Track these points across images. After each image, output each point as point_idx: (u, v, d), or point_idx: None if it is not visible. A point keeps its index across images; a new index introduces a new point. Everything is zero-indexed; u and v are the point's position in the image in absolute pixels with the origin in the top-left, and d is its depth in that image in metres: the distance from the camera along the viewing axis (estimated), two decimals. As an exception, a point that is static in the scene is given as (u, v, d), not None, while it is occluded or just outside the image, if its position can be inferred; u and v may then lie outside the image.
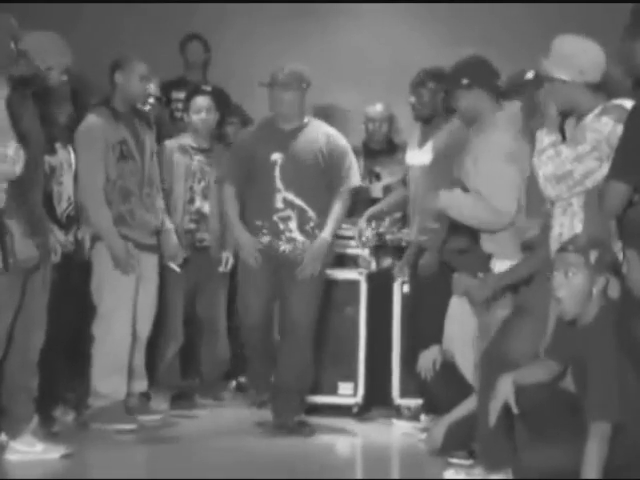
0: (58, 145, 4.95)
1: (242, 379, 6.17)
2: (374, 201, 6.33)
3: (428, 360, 4.85)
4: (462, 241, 5.06)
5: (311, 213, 5.10)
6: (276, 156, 5.09)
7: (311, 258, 5.06)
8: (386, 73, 6.88)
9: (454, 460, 4.37)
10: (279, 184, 5.08)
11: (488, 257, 4.74)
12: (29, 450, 4.35)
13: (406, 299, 5.57)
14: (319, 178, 5.11)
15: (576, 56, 3.86)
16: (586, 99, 3.86)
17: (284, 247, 5.09)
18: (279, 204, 5.07)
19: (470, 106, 4.55)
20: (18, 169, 4.03)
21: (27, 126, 4.32)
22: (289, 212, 5.08)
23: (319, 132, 5.17)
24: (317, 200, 5.12)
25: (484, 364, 4.06)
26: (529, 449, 3.62)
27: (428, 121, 5.38)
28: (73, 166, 5.06)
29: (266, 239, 5.10)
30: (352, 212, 6.32)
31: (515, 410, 3.66)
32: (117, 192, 5.14)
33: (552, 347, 3.78)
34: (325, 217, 5.14)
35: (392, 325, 5.60)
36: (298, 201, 5.08)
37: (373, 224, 5.80)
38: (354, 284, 5.64)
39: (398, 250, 5.78)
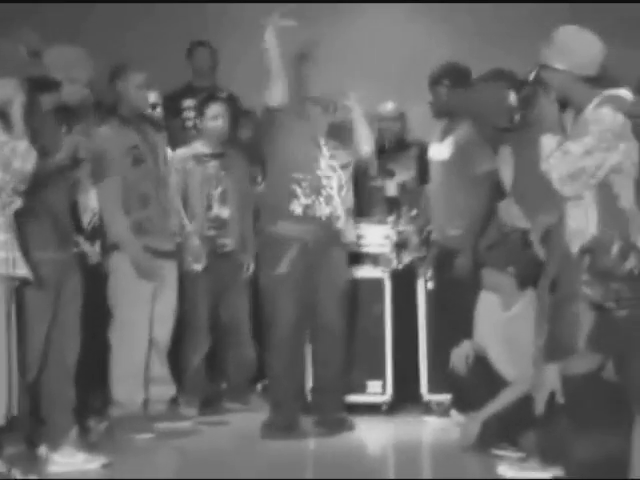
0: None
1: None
2: (389, 200, 6.37)
3: (460, 356, 4.87)
4: (490, 236, 5.11)
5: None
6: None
7: None
8: (399, 69, 6.90)
9: (502, 452, 4.38)
10: (325, 150, 5.20)
11: (517, 251, 4.78)
12: (70, 461, 4.37)
13: (431, 295, 5.60)
14: None
15: (574, 47, 3.90)
16: (581, 91, 3.89)
17: (321, 212, 5.12)
18: (322, 164, 5.18)
19: None
20: (29, 167, 4.01)
21: (48, 138, 4.35)
22: (331, 173, 5.17)
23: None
24: None
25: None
26: (576, 442, 3.65)
27: (448, 118, 5.40)
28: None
29: (303, 202, 5.11)
30: (367, 211, 6.39)
31: (561, 400, 3.69)
32: (135, 198, 5.17)
33: (593, 339, 3.80)
34: None
35: (417, 322, 5.63)
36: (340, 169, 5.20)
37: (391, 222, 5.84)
38: (378, 282, 5.67)
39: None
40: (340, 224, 5.18)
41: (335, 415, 5.18)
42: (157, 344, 5.30)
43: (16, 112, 4.08)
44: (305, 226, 5.10)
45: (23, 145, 4.02)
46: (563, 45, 3.91)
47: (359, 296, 5.60)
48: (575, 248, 3.89)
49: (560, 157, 3.83)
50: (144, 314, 5.18)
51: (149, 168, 5.25)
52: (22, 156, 4.00)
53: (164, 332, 5.32)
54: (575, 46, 3.90)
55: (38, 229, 4.32)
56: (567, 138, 3.88)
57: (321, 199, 5.13)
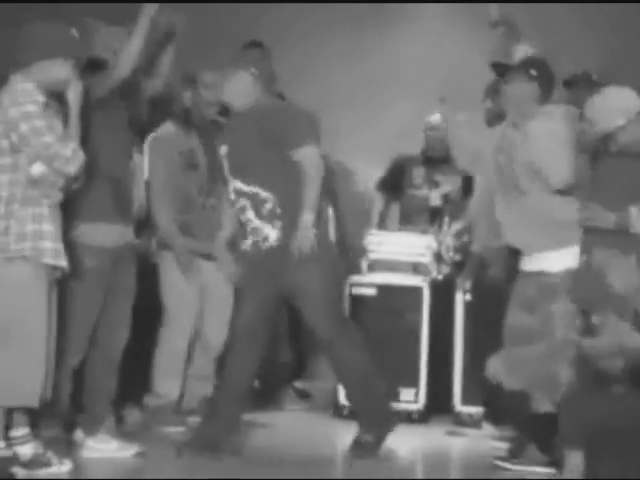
0: (134, 149, 5.01)
1: (301, 384, 6.25)
2: (432, 210, 6.40)
3: (495, 367, 4.87)
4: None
5: (264, 195, 4.59)
6: (223, 149, 4.74)
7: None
8: (445, 82, 6.93)
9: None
10: (227, 174, 4.69)
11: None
12: (104, 448, 4.43)
13: (468, 306, 5.61)
14: (267, 156, 4.57)
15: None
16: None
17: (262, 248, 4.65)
18: (231, 196, 4.69)
19: None
20: (71, 169, 4.01)
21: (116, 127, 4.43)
22: (243, 202, 4.64)
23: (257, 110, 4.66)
24: (269, 180, 4.58)
25: None
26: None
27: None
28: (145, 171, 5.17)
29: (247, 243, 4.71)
30: (410, 220, 6.43)
31: None
32: (178, 201, 5.25)
33: None
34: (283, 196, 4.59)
35: (454, 332, 5.64)
36: (247, 188, 4.62)
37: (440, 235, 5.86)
38: (416, 290, 5.69)
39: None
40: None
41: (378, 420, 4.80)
42: (210, 343, 5.36)
43: (74, 103, 4.08)
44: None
45: (69, 149, 3.99)
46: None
47: (396, 303, 5.63)
48: None
49: None
50: (189, 313, 5.28)
51: (200, 174, 5.30)
52: (66, 160, 3.99)
53: (217, 331, 5.32)
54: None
55: (97, 197, 4.33)
56: None
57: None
